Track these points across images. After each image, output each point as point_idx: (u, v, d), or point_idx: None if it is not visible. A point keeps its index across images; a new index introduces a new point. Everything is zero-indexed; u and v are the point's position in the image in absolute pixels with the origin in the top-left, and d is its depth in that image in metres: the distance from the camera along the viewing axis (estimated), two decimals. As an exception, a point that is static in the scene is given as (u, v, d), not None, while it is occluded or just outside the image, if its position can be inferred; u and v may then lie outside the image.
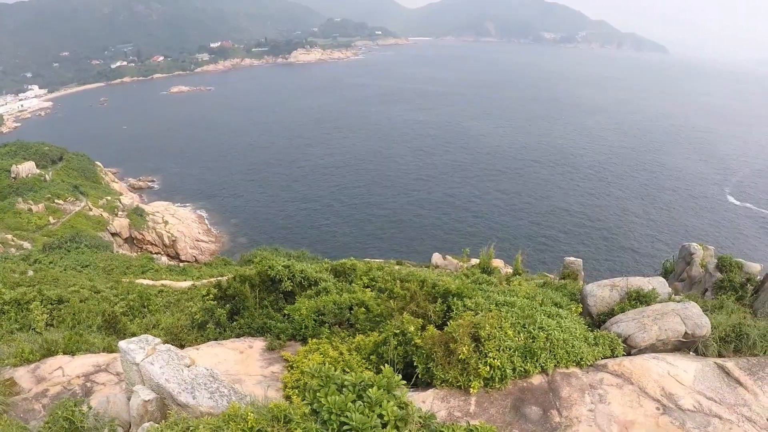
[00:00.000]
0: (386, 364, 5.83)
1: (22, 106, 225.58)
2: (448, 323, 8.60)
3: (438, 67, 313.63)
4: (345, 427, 5.04)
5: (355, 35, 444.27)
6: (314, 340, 10.36)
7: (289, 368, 9.86)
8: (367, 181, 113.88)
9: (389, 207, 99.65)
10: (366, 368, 8.66)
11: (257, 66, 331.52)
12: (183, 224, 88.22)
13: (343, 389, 5.37)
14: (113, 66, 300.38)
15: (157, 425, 6.57)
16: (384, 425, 5.06)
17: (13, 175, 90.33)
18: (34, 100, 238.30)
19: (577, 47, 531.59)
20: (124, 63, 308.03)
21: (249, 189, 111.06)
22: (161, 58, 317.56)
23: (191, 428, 5.91)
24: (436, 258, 30.07)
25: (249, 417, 5.57)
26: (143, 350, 8.28)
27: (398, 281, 12.35)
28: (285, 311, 12.10)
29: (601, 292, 11.15)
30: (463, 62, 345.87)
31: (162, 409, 7.48)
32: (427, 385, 8.43)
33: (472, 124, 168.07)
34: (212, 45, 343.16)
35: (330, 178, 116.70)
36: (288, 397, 8.43)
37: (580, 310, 10.74)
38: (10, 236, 67.18)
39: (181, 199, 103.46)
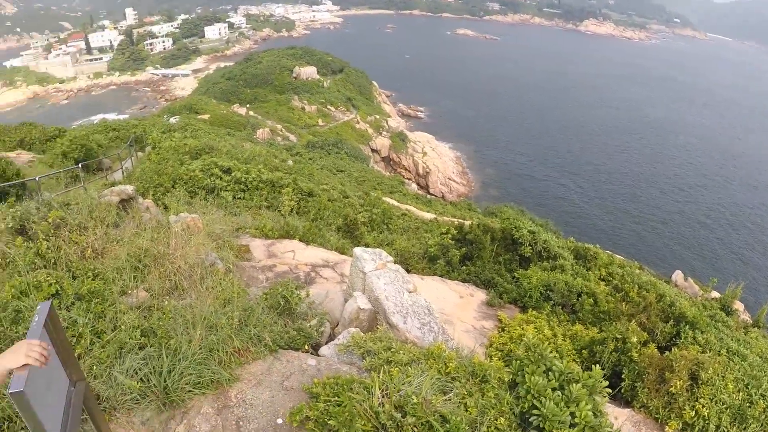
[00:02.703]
0: (596, 365, 5.69)
1: (314, 16, 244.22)
2: (672, 349, 8.06)
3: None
4: (534, 411, 5.00)
5: (651, 17, 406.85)
6: (534, 312, 10.27)
7: (500, 329, 9.82)
8: (635, 174, 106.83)
9: (648, 206, 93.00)
10: (574, 360, 8.51)
11: (545, 26, 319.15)
12: (440, 160, 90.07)
13: (549, 373, 5.33)
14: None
15: (362, 334, 6.83)
16: (572, 425, 4.94)
17: (294, 75, 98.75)
18: (326, 13, 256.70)
19: None
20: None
21: (511, 144, 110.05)
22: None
23: (393, 349, 6.06)
24: (678, 276, 27.82)
25: (450, 363, 5.67)
26: (374, 262, 8.47)
27: (636, 286, 11.80)
28: (516, 274, 12.03)
29: None
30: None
31: (371, 322, 7.68)
32: (626, 403, 8.03)
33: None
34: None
35: (596, 158, 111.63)
36: (490, 357, 8.52)
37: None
38: (280, 126, 74.26)
39: (444, 137, 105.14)
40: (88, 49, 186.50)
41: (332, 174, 37.87)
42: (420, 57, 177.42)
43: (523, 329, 9.13)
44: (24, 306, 5.96)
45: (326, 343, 7.18)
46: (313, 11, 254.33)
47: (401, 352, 6.03)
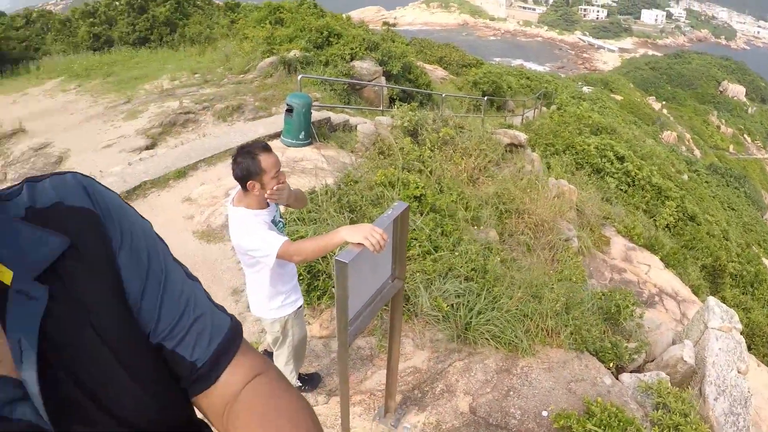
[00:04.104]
0: None
1: (758, 32, 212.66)
2: None
3: None
4: None
5: None
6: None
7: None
8: None
9: None
10: None
11: None
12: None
13: None
14: None
15: (669, 385, 6.11)
16: None
17: (720, 89, 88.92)
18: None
19: None
20: None
21: None
22: None
23: (688, 421, 5.34)
24: None
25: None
26: (721, 321, 7.71)
27: None
28: None
29: None
30: None
31: (684, 377, 6.95)
32: None
33: None
34: None
35: None
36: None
37: None
38: (688, 136, 67.12)
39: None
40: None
41: (722, 208, 34.45)
42: None
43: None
44: (387, 195, 6.64)
45: (630, 372, 6.74)
46: (759, 26, 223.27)
47: (693, 427, 5.36)
